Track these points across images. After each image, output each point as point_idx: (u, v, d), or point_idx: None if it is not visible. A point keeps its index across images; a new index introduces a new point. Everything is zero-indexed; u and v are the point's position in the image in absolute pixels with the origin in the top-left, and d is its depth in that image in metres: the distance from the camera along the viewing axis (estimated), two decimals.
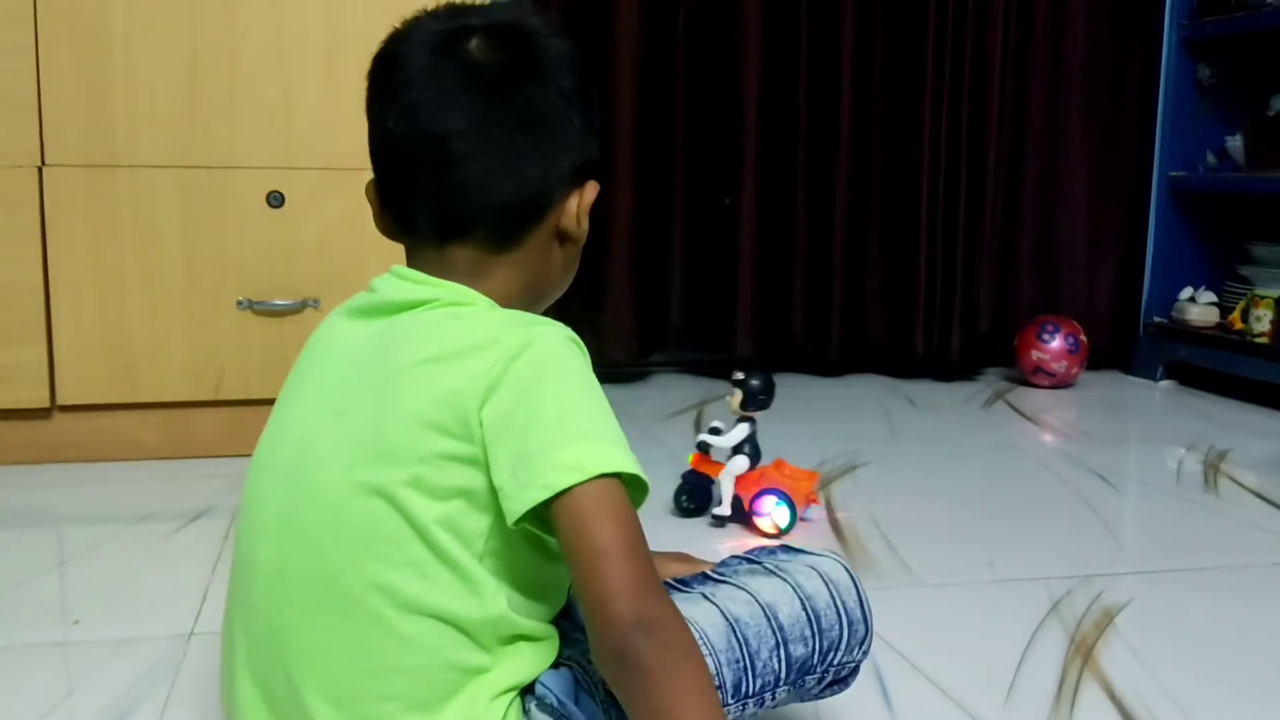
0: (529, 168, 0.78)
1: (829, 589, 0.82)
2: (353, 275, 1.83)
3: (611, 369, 2.55)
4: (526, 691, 0.75)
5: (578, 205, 0.81)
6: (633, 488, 0.70)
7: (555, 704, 0.74)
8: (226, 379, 1.81)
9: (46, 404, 1.77)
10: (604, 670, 0.67)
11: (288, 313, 1.81)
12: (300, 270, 1.82)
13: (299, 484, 0.75)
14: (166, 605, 1.24)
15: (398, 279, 0.79)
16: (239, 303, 1.80)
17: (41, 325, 1.74)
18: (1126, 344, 2.85)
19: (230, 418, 1.83)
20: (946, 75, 2.62)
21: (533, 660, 0.75)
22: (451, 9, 0.81)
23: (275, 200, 1.80)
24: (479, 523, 0.71)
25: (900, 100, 2.65)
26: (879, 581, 1.35)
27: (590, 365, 0.74)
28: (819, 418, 2.34)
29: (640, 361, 2.64)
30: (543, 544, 0.73)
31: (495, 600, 0.71)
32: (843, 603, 0.82)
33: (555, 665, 0.76)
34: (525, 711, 0.74)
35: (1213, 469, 1.93)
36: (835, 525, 1.57)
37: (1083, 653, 1.16)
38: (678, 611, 0.67)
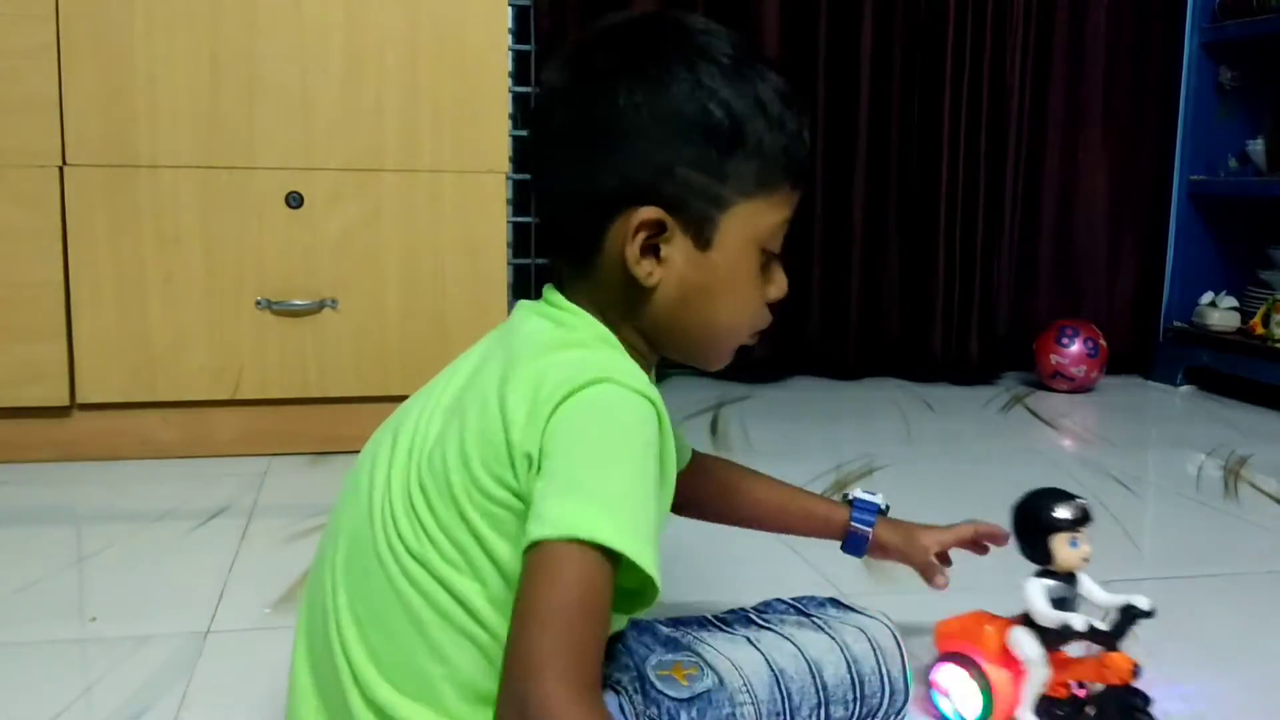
0: (562, 179, 0.75)
1: (876, 654, 0.82)
2: (371, 276, 1.83)
3: None
4: None
5: (624, 233, 0.73)
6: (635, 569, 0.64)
7: None
8: (245, 378, 1.82)
9: (66, 402, 1.78)
10: None
11: (306, 313, 1.82)
12: (319, 271, 1.82)
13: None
14: (183, 603, 1.25)
15: (543, 303, 0.78)
16: (258, 302, 1.81)
17: (62, 324, 1.76)
18: (1146, 348, 2.84)
19: (248, 417, 1.84)
20: (965, 76, 2.62)
21: None
22: None
23: (294, 201, 1.80)
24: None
25: (919, 101, 2.65)
26: (894, 586, 1.34)
27: (645, 430, 0.68)
28: (835, 420, 2.34)
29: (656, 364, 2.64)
30: None
31: None
32: (887, 670, 0.82)
33: (605, 685, 0.75)
34: None
35: (1233, 475, 1.92)
36: None
37: None
38: (594, 713, 0.60)
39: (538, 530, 0.62)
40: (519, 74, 2.25)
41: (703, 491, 1.00)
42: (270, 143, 1.79)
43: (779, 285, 0.79)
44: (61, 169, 1.74)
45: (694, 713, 0.74)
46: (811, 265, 2.65)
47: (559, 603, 0.61)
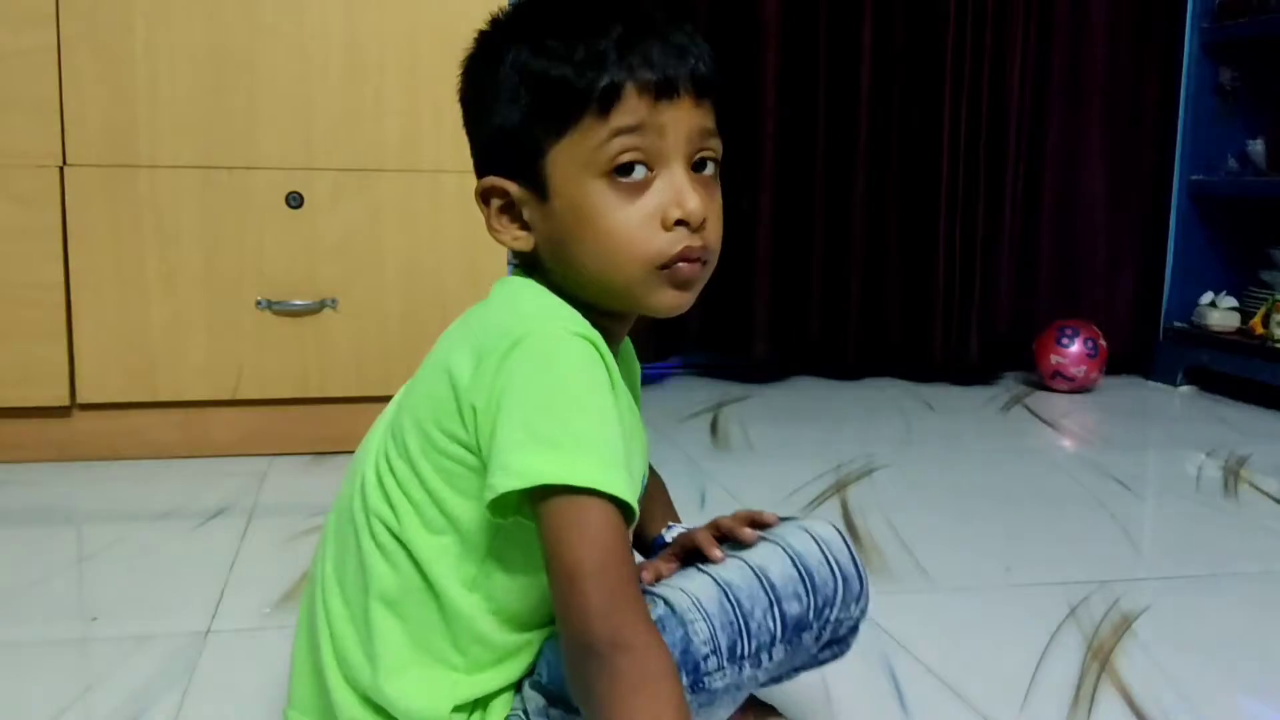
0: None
1: (819, 546, 0.81)
2: (371, 276, 1.83)
3: None
4: None
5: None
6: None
7: (544, 682, 0.77)
8: (245, 379, 1.82)
9: (66, 402, 1.78)
10: (575, 683, 0.68)
11: (306, 313, 1.82)
12: (319, 271, 1.82)
13: None
14: (183, 603, 1.25)
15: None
16: (258, 303, 1.81)
17: (62, 324, 1.76)
18: (1146, 349, 2.84)
19: (248, 417, 1.84)
20: (966, 75, 2.62)
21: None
22: None
23: (294, 201, 1.80)
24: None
25: (920, 100, 2.65)
26: (895, 585, 1.34)
27: (592, 368, 0.70)
28: (836, 421, 2.34)
29: (657, 364, 2.64)
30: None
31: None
32: (835, 559, 0.81)
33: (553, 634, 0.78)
34: (518, 689, 0.78)
35: (1232, 475, 1.92)
36: (852, 529, 1.57)
37: (1100, 658, 1.15)
38: (654, 635, 0.67)
39: (504, 482, 0.66)
40: None
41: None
42: (270, 143, 1.79)
43: (679, 204, 0.72)
44: (61, 169, 1.74)
45: None
46: (811, 265, 2.65)
47: (590, 553, 0.66)
